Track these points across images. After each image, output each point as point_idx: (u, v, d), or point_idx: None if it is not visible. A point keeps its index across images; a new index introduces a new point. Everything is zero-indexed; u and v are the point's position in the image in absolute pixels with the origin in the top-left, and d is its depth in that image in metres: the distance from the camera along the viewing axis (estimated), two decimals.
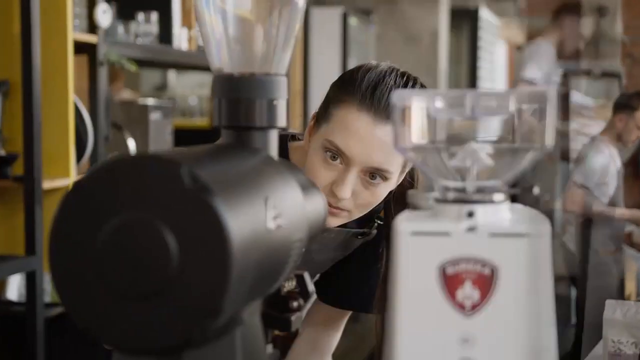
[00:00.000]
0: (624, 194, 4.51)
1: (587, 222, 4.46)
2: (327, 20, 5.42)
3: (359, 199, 1.33)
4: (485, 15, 7.95)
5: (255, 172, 0.72)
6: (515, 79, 4.72)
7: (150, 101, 3.63)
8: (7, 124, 2.76)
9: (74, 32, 2.89)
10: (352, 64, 5.08)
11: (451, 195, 0.70)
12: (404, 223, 0.69)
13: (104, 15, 3.01)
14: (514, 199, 0.70)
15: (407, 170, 1.39)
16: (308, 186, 0.85)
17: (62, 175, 2.84)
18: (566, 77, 5.02)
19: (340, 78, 1.38)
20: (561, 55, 4.77)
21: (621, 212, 4.85)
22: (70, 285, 0.63)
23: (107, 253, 0.62)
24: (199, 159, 0.66)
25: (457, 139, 0.72)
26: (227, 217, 0.60)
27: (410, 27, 6.11)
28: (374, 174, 1.32)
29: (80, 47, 3.00)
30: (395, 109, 0.70)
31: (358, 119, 1.30)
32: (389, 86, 1.31)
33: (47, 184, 2.70)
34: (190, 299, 0.61)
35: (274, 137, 0.80)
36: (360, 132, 1.29)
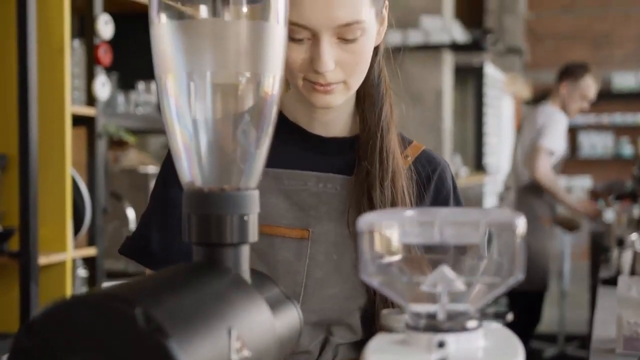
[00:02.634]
0: None
1: (531, 187, 4.52)
2: None
3: (344, 64, 1.22)
4: (491, 71, 7.97)
5: (220, 299, 0.70)
6: (531, 143, 4.60)
7: (151, 169, 3.62)
8: (4, 198, 2.75)
9: (73, 105, 2.90)
10: None
11: (422, 322, 0.67)
12: (373, 354, 0.66)
13: (103, 87, 3.02)
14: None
15: (385, 13, 1.29)
16: (279, 300, 0.82)
17: (59, 250, 2.82)
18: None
19: None
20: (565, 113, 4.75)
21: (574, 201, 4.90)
22: None
23: None
24: (156, 293, 0.64)
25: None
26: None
27: (414, 87, 6.12)
28: (346, 37, 1.20)
29: (79, 120, 3.00)
30: (360, 234, 0.68)
31: None
32: None
33: (43, 260, 2.68)
34: None
35: (245, 253, 0.78)
36: None
